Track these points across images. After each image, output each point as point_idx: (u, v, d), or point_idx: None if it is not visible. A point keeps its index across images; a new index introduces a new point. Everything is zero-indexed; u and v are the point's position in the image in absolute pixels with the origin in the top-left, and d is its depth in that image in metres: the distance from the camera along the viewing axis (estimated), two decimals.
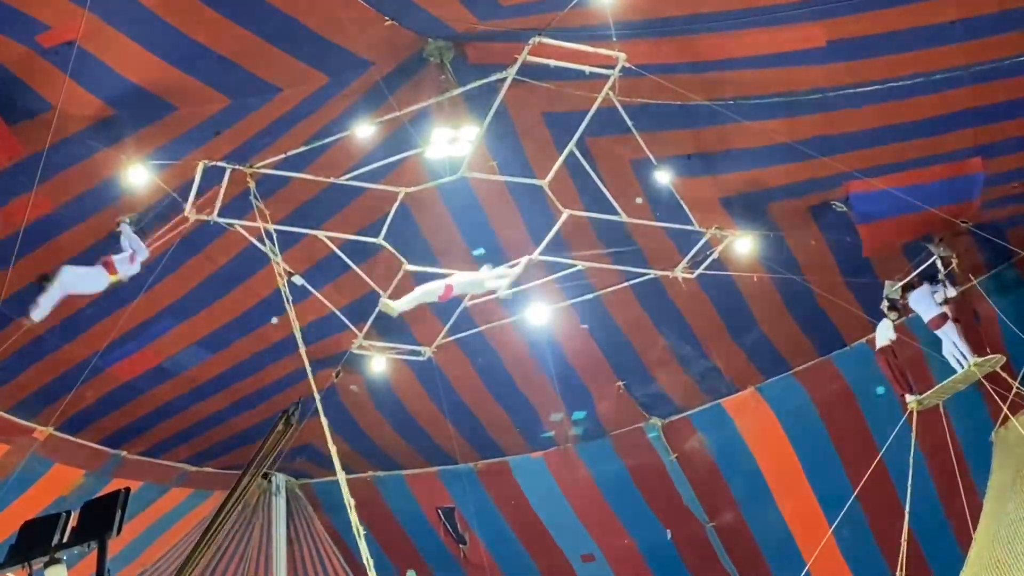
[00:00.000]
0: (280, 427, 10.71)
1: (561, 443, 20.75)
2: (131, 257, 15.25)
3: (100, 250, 15.58)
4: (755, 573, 20.79)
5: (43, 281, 14.85)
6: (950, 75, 14.04)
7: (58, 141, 14.00)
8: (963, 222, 16.27)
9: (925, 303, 16.52)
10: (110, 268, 15.12)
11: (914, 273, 17.01)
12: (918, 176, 15.63)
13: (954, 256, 16.76)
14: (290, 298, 14.82)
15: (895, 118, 14.82)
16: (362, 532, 12.33)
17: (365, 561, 12.41)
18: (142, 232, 15.48)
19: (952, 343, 16.34)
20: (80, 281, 15.16)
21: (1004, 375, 16.15)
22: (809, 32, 13.81)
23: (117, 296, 16.32)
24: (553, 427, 20.47)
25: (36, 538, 8.59)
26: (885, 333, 17.01)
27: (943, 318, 16.39)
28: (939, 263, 16.73)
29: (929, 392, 16.72)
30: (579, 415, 20.35)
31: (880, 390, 18.13)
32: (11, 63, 13.40)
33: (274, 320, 18.09)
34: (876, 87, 14.32)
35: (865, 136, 15.18)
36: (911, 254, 17.11)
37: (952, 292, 16.55)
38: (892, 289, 17.13)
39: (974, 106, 14.50)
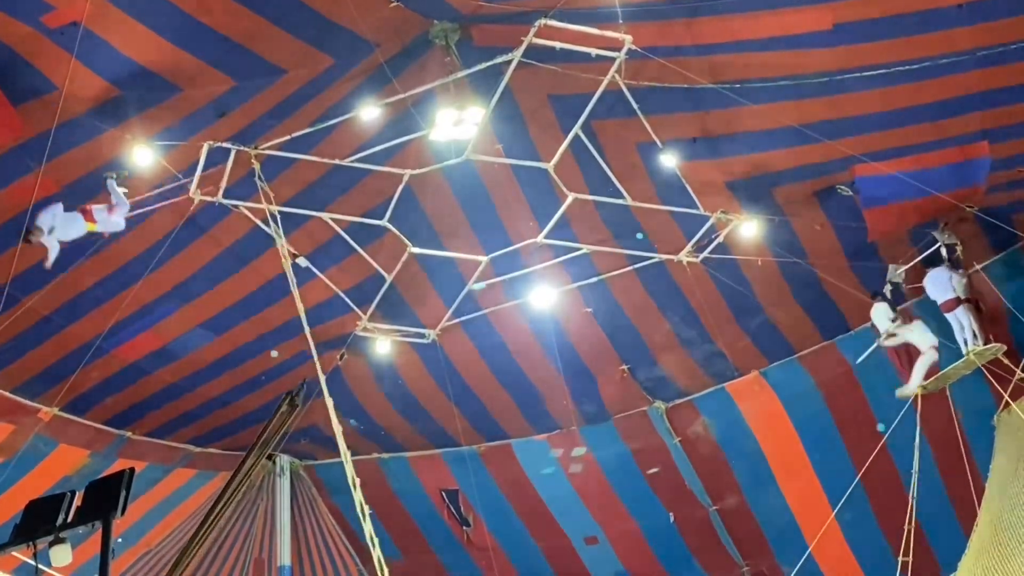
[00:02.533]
0: (284, 408, 10.74)
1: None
2: (110, 208, 14.80)
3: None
4: (758, 556, 20.82)
5: (28, 236, 14.42)
6: (957, 59, 13.99)
7: (63, 122, 13.99)
8: (969, 207, 16.24)
9: (943, 285, 16.48)
10: (87, 216, 14.68)
11: (919, 258, 17.02)
12: (924, 160, 15.59)
13: (959, 242, 16.74)
14: (294, 280, 14.82)
15: (902, 102, 14.78)
16: (367, 511, 12.36)
17: (368, 539, 12.45)
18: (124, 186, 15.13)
19: (964, 326, 16.32)
20: (61, 225, 14.56)
21: (1006, 362, 16.16)
22: (816, 15, 13.76)
23: (122, 277, 16.35)
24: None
25: (41, 518, 8.64)
26: (883, 318, 16.98)
27: (957, 302, 16.37)
28: (943, 249, 16.71)
29: (932, 378, 16.72)
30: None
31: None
32: (16, 43, 13.38)
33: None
34: (883, 71, 14.26)
35: (871, 120, 15.14)
36: (917, 239, 17.09)
37: (962, 280, 16.57)
38: (896, 273, 17.12)
39: (981, 90, 14.45)
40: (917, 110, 14.87)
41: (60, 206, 14.41)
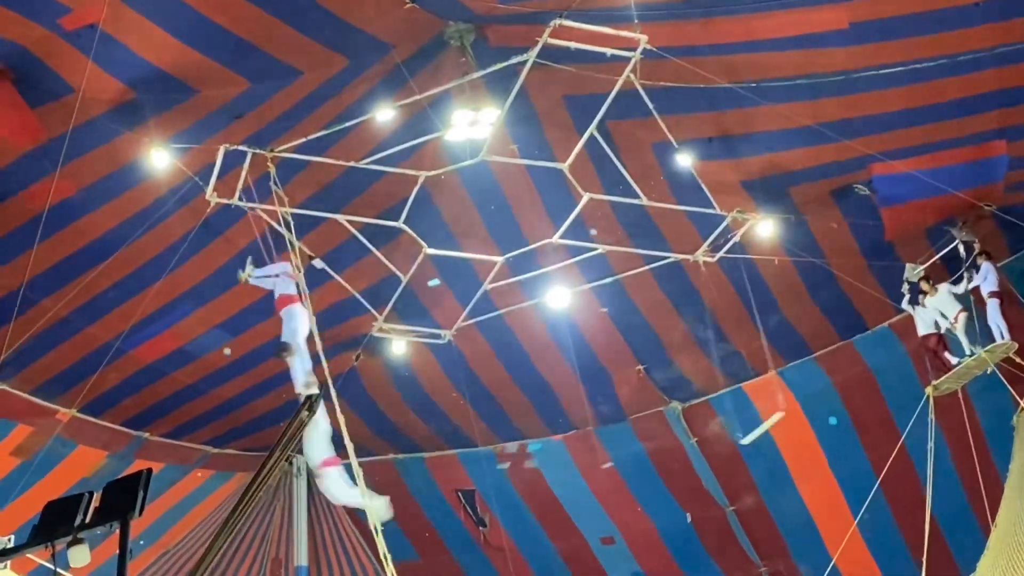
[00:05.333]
0: (304, 413, 10.76)
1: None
2: (284, 277, 14.88)
3: (121, 234, 15.68)
4: (775, 556, 20.77)
5: (282, 353, 14.26)
6: (974, 57, 13.93)
7: (80, 124, 14.04)
8: (987, 205, 16.17)
9: (995, 276, 16.47)
10: (286, 302, 14.77)
11: (936, 256, 16.96)
12: (942, 159, 15.53)
13: (976, 240, 16.67)
14: (305, 285, 14.82)
15: (918, 101, 14.72)
16: (379, 528, 12.42)
17: (382, 556, 12.54)
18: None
19: (998, 322, 16.30)
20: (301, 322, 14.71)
21: (1019, 360, 16.07)
22: (832, 14, 13.71)
23: (139, 279, 16.40)
24: None
25: (59, 519, 8.63)
26: (926, 320, 16.91)
27: (996, 294, 16.33)
28: (961, 248, 16.64)
29: (944, 377, 16.64)
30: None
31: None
32: (33, 45, 13.45)
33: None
34: (899, 69, 14.21)
35: (888, 119, 15.09)
36: (934, 238, 17.03)
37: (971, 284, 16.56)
38: (913, 272, 17.05)
39: (998, 88, 14.39)
40: (934, 109, 14.82)
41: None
